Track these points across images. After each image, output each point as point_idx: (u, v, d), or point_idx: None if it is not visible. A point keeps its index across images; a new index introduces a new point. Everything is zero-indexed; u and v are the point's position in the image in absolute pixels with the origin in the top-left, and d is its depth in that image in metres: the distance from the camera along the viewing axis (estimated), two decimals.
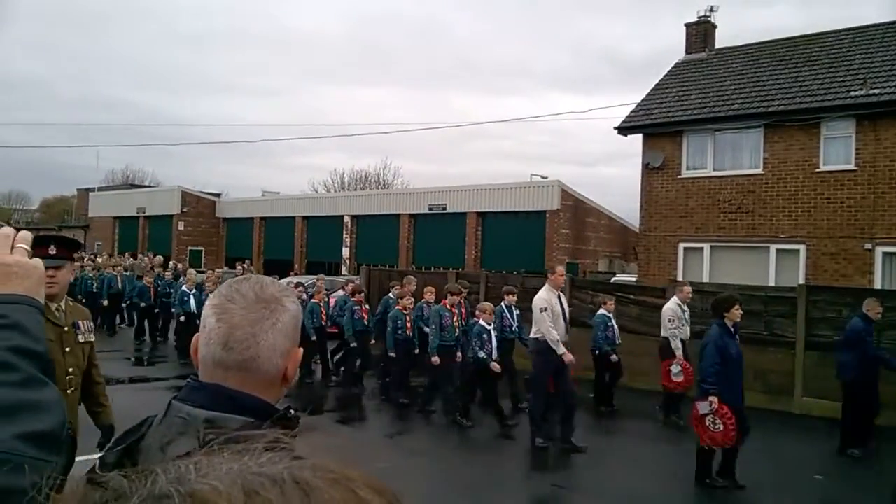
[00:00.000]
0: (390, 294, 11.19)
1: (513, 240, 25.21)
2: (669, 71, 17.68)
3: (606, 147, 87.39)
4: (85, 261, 19.24)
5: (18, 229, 1.09)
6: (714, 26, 17.94)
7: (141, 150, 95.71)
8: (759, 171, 14.28)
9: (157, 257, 21.75)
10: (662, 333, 9.30)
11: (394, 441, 8.20)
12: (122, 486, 0.47)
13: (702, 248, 14.87)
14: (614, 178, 70.19)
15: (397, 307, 10.18)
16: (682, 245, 15.16)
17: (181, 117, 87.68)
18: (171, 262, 20.34)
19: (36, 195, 76.78)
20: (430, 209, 28.17)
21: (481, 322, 8.68)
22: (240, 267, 17.55)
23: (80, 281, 16.35)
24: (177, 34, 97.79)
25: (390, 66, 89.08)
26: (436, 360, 9.16)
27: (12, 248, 1.03)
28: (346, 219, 31.31)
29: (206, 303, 1.22)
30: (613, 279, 18.31)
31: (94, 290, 16.52)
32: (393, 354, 10.00)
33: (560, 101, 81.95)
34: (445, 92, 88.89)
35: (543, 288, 7.89)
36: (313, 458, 0.50)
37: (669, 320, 9.16)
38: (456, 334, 9.41)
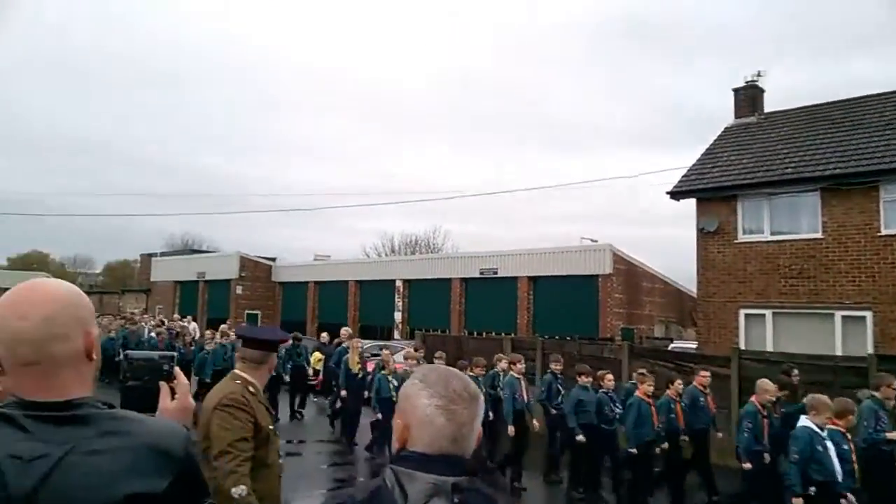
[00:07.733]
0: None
1: (565, 304, 25.12)
2: (719, 135, 17.78)
3: (662, 210, 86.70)
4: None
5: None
6: (762, 91, 18.07)
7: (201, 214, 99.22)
8: (819, 235, 14.10)
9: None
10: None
11: None
12: None
13: (764, 315, 14.60)
14: (672, 240, 69.14)
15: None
16: (742, 311, 14.92)
17: (245, 182, 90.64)
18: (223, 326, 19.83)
19: (99, 259, 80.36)
20: (482, 273, 28.38)
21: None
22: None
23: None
24: (257, 97, 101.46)
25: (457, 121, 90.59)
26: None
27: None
28: (398, 283, 31.75)
29: (428, 398, 1.50)
30: (671, 346, 18.05)
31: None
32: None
33: (627, 158, 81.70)
34: (512, 147, 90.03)
35: None
36: None
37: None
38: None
